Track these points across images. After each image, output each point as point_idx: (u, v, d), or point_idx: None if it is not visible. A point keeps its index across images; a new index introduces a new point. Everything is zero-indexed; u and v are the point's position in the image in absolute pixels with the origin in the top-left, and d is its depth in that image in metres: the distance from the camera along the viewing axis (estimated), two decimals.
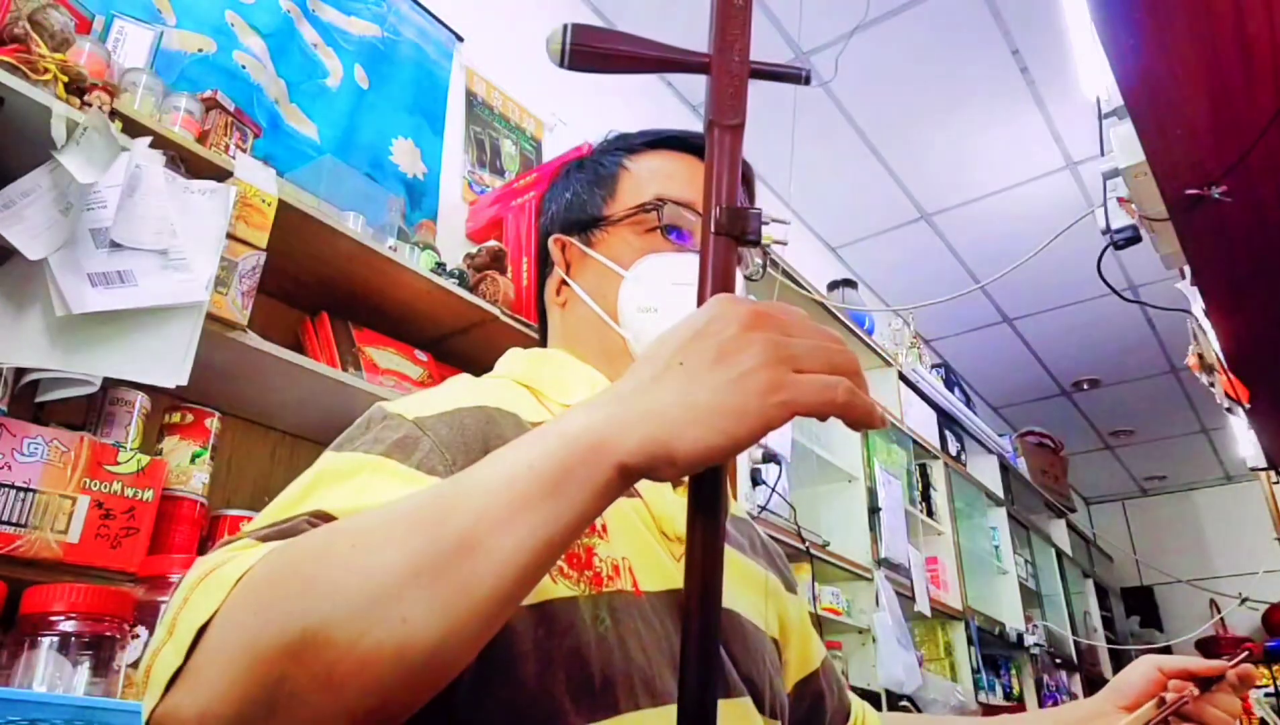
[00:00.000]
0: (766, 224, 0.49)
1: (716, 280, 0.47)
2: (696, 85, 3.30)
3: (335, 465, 0.57)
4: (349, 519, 0.46)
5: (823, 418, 0.42)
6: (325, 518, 0.50)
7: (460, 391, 0.68)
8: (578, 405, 0.45)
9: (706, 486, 0.45)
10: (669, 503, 0.72)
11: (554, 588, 0.60)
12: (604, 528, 0.65)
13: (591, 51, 0.48)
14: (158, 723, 0.42)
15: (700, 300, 0.47)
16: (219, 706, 0.40)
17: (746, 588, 0.79)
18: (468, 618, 0.40)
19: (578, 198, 0.84)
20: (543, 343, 0.87)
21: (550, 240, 0.84)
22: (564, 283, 0.82)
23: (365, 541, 0.41)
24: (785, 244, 0.49)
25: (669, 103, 3.31)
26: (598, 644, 0.59)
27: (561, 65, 0.48)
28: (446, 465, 0.58)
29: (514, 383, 0.75)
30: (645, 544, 0.68)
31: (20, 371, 1.09)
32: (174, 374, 1.12)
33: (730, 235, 0.47)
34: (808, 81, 0.52)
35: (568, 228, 0.83)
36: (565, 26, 0.48)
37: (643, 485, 0.71)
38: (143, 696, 0.43)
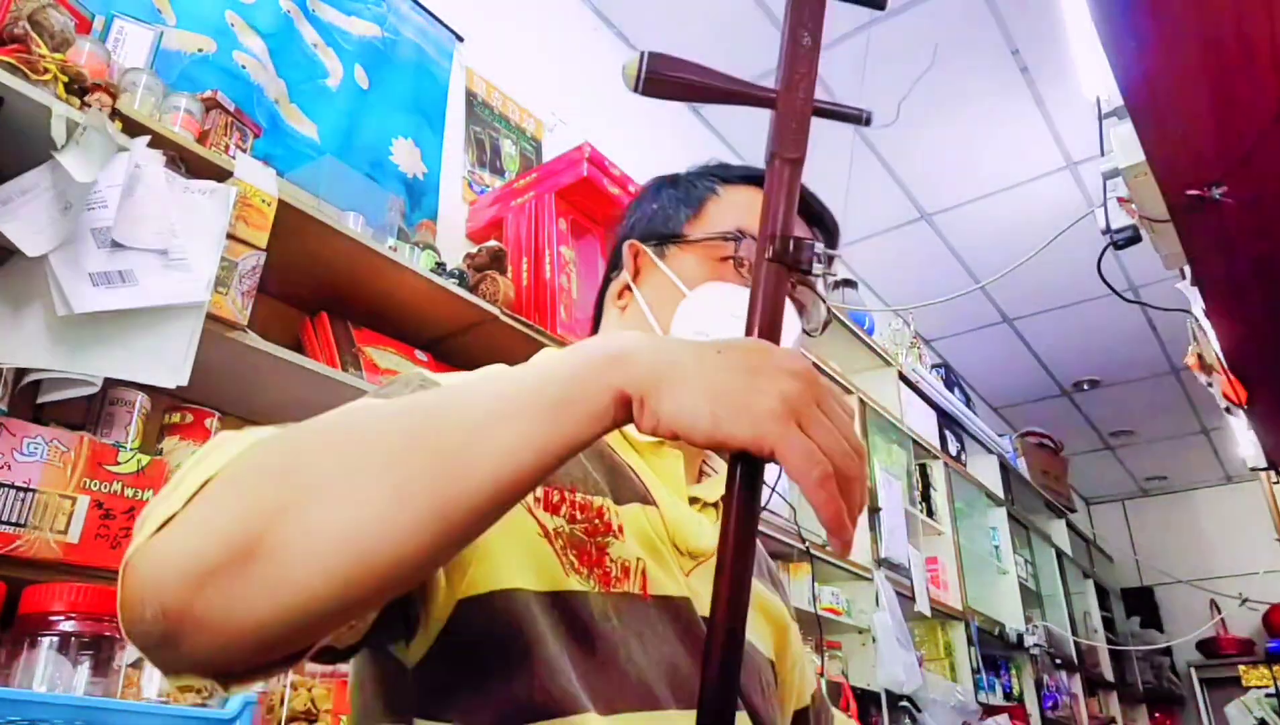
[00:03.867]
0: (820, 260, 0.51)
1: (766, 306, 0.49)
2: None
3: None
4: (368, 400, 0.49)
5: (807, 491, 0.43)
6: None
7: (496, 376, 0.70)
8: (615, 333, 0.47)
9: (746, 476, 0.46)
10: (683, 515, 0.73)
11: (567, 580, 0.61)
12: (620, 528, 0.66)
13: (664, 80, 0.51)
14: (139, 561, 0.42)
15: (749, 324, 0.49)
16: (202, 550, 0.40)
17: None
18: (448, 509, 0.41)
19: (663, 211, 0.85)
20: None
21: (625, 244, 0.86)
22: (627, 287, 0.84)
23: (380, 417, 0.44)
24: (835, 276, 0.51)
25: (670, 105, 3.31)
26: (606, 641, 0.60)
27: (635, 90, 0.50)
28: None
29: None
30: (657, 551, 0.69)
31: (20, 371, 1.09)
32: (174, 374, 1.12)
33: (783, 263, 0.49)
34: (868, 123, 0.54)
35: (645, 237, 0.85)
36: (642, 54, 0.50)
37: (659, 495, 0.73)
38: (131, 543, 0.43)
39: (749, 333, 0.49)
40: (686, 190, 0.86)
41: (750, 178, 0.85)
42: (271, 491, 0.41)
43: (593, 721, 0.57)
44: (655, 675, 0.62)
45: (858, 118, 0.54)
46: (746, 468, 0.46)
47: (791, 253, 0.49)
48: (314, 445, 0.44)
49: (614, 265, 0.89)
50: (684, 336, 0.76)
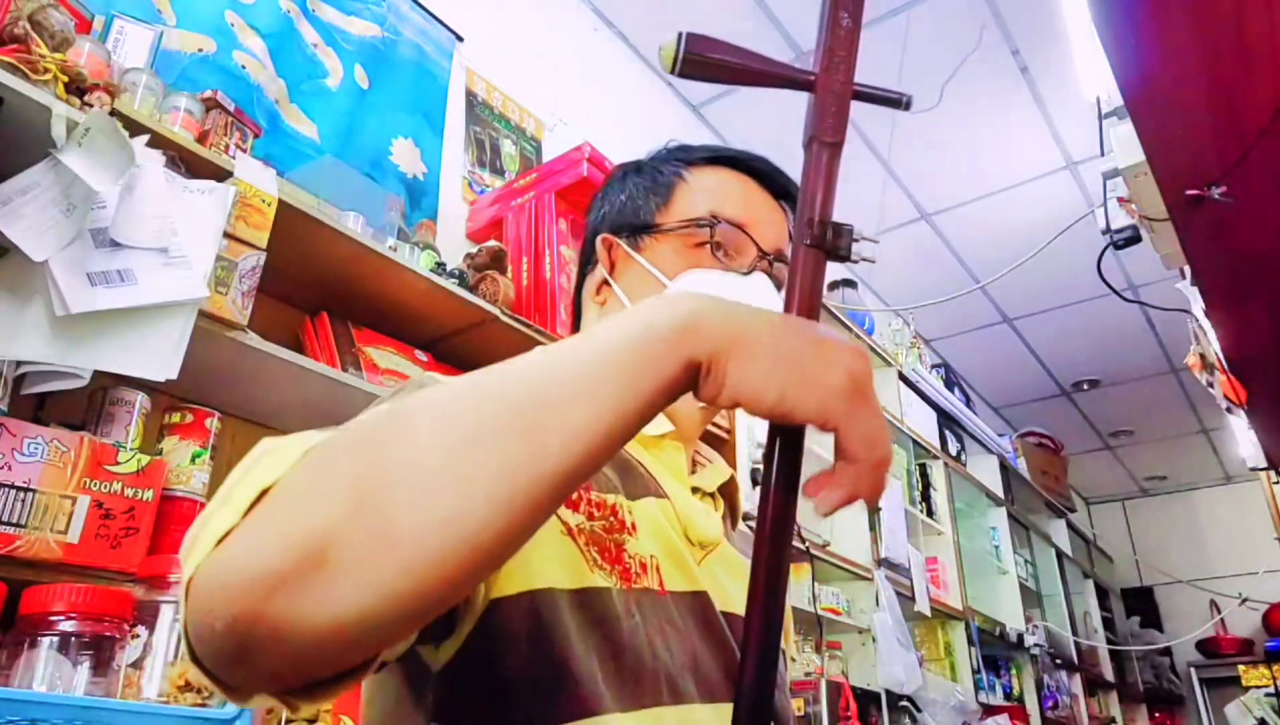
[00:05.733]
0: (858, 241, 0.49)
1: (804, 293, 0.48)
2: (697, 85, 3.30)
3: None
4: (422, 392, 0.45)
5: (861, 472, 0.43)
6: None
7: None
8: (670, 293, 0.45)
9: (786, 448, 0.45)
10: (692, 507, 0.73)
11: (591, 576, 0.61)
12: (633, 525, 0.66)
13: (703, 61, 0.49)
14: (203, 576, 0.39)
15: (786, 309, 0.48)
16: (271, 555, 0.38)
17: None
18: (528, 489, 0.39)
19: (632, 201, 0.83)
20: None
21: (598, 238, 0.84)
22: (605, 282, 0.82)
23: (439, 406, 0.41)
24: (874, 261, 0.50)
25: (670, 102, 3.31)
26: (630, 637, 0.61)
27: (672, 72, 0.49)
28: None
29: None
30: (671, 545, 0.69)
31: (15, 365, 1.08)
32: (165, 367, 1.12)
33: (822, 249, 0.48)
34: (908, 107, 0.52)
35: (617, 229, 0.83)
36: (680, 35, 0.48)
37: (668, 487, 0.73)
38: (184, 564, 0.41)
39: None
40: (653, 177, 0.83)
41: (714, 158, 0.83)
42: (341, 492, 0.39)
43: (617, 721, 0.56)
44: (679, 669, 0.62)
45: (898, 101, 0.52)
46: (788, 439, 0.46)
47: (831, 238, 0.48)
48: (381, 440, 0.41)
49: (587, 260, 0.86)
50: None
